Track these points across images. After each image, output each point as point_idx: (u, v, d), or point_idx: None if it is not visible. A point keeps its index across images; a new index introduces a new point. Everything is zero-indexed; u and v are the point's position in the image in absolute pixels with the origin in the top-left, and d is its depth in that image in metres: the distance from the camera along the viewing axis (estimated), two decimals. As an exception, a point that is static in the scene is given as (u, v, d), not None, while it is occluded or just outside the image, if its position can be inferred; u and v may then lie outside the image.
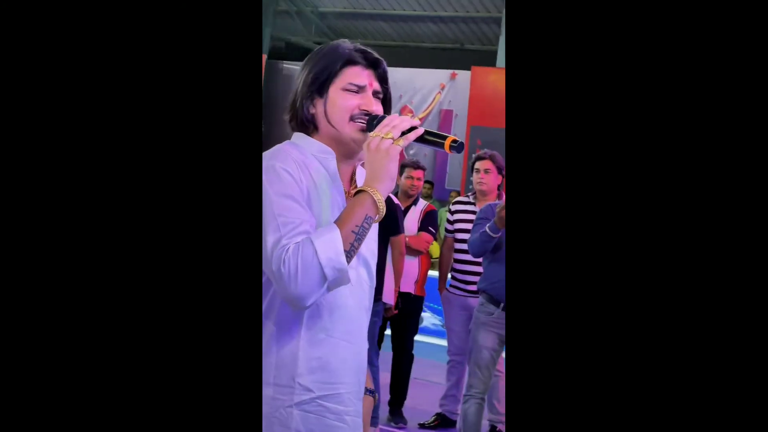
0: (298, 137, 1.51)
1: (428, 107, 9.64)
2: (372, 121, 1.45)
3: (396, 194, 4.75)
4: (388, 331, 4.64)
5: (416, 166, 4.76)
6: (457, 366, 4.48)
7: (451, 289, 4.46)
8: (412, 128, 1.40)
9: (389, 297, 4.27)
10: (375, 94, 1.50)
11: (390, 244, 4.25)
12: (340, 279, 1.33)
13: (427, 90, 9.68)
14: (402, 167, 4.89)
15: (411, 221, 4.64)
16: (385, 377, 4.54)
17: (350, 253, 1.34)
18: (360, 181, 1.52)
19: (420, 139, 1.41)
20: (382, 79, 1.52)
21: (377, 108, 1.49)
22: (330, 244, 1.31)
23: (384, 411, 4.53)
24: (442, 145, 1.40)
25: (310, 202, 1.40)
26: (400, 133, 1.39)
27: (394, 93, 9.03)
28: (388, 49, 12.07)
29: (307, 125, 1.50)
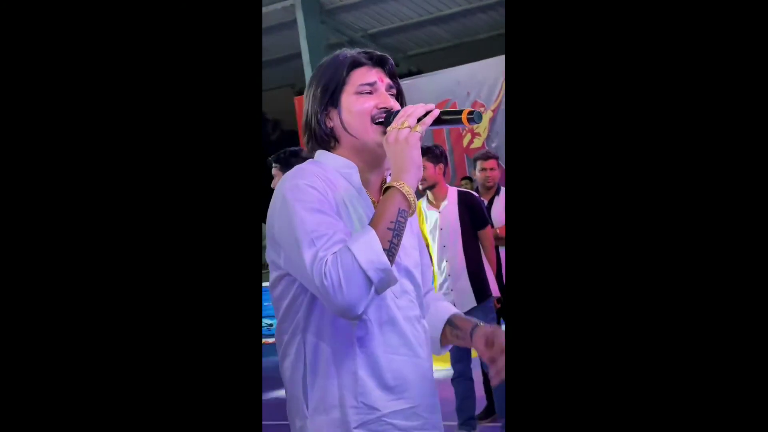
0: (320, 154, 1.49)
1: (498, 97, 9.52)
2: (389, 117, 1.43)
3: (476, 190, 4.72)
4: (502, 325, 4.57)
5: (486, 156, 4.71)
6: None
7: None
8: (428, 113, 1.38)
9: (495, 289, 4.23)
10: (388, 89, 1.48)
11: (479, 238, 4.23)
12: (387, 280, 1.29)
13: (493, 80, 9.54)
14: (474, 161, 4.85)
15: (498, 213, 4.55)
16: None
17: (391, 250, 1.30)
18: None
19: (438, 122, 1.38)
20: (392, 75, 1.50)
21: (394, 104, 1.47)
22: (368, 246, 1.27)
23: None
24: (460, 121, 1.37)
25: (340, 216, 1.38)
26: (416, 120, 1.36)
27: (461, 91, 8.91)
28: (446, 50, 12.02)
29: (327, 140, 1.48)
